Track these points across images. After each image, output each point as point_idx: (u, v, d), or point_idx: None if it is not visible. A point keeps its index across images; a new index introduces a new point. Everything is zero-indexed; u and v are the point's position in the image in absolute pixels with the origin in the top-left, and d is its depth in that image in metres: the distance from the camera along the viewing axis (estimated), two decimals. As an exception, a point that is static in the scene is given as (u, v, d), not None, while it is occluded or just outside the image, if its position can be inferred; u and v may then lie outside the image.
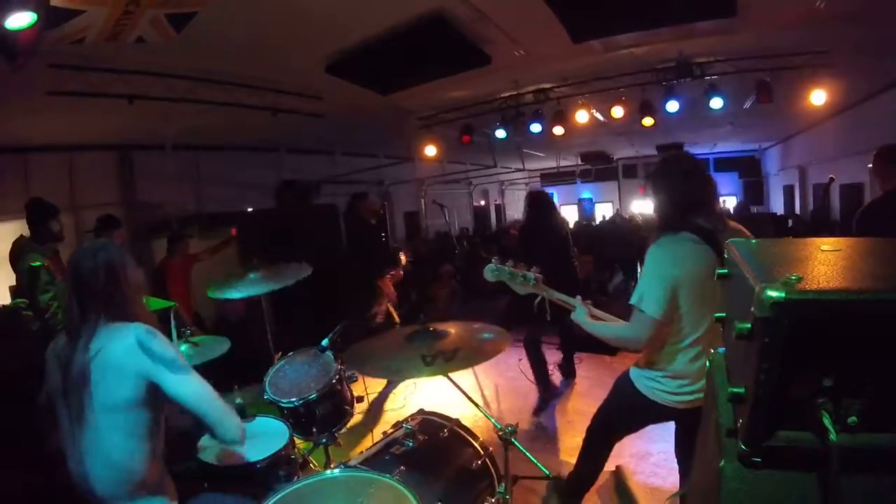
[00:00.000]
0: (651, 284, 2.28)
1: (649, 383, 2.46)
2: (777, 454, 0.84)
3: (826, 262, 0.97)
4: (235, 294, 3.53)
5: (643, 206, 14.23)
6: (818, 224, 9.23)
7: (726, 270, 1.12)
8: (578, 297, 2.58)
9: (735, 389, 0.86)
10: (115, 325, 1.92)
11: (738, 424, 0.86)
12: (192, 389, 1.93)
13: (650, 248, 2.35)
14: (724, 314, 1.13)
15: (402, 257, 6.83)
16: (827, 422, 0.77)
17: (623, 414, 2.68)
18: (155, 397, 1.91)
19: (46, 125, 5.61)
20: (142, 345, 1.87)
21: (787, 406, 0.81)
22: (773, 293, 0.74)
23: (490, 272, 2.75)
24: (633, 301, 2.32)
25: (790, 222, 11.59)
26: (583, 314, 2.54)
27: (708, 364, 1.20)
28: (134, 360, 1.86)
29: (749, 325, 0.79)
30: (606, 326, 2.53)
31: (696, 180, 2.39)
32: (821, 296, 0.75)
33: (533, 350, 5.04)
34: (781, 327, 0.74)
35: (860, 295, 0.75)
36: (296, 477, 2.53)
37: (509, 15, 4.57)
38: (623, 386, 2.61)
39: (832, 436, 0.75)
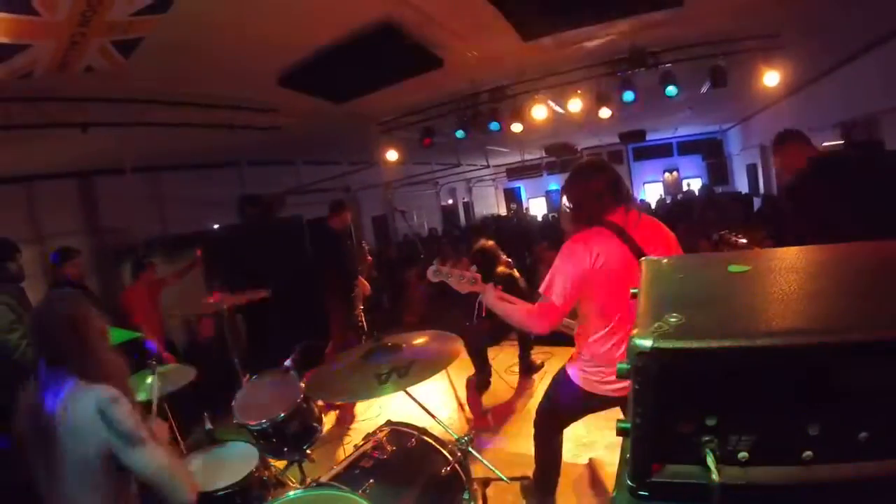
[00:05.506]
0: (559, 275, 2.46)
1: (578, 372, 2.64)
2: (665, 488, 0.84)
3: (721, 295, 0.98)
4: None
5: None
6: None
7: (637, 291, 1.12)
8: (491, 284, 2.72)
9: (622, 424, 0.87)
10: (81, 381, 1.92)
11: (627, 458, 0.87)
12: (145, 463, 1.93)
13: (565, 243, 2.54)
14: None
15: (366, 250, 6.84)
16: (710, 461, 0.78)
17: (562, 403, 2.82)
18: (119, 459, 1.93)
19: (2, 158, 5.50)
20: (102, 413, 1.87)
21: (675, 441, 0.82)
22: (640, 342, 0.76)
23: (433, 273, 2.87)
24: (541, 289, 2.52)
25: (756, 202, 11.79)
26: (491, 296, 2.68)
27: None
28: (93, 426, 1.86)
29: (627, 367, 0.80)
30: (514, 308, 2.67)
31: (603, 181, 2.57)
32: (688, 344, 0.76)
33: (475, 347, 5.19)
34: (649, 374, 0.76)
35: (730, 342, 0.75)
36: (268, 499, 2.59)
37: (457, 17, 4.56)
38: (560, 376, 2.79)
39: (714, 475, 0.77)
